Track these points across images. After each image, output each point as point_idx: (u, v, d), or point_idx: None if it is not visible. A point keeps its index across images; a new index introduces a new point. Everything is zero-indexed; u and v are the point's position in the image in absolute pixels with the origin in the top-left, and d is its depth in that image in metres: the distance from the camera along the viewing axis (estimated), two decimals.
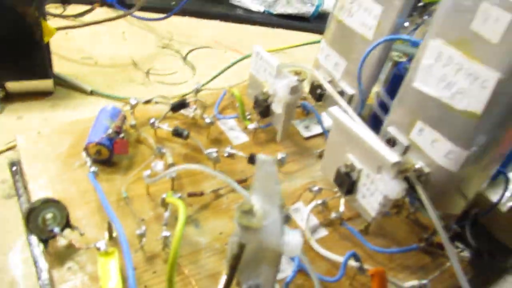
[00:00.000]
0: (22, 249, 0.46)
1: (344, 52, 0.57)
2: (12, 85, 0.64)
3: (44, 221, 0.38)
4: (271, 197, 0.31)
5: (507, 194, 0.62)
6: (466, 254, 0.47)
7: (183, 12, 0.91)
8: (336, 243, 0.46)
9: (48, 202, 0.38)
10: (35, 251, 0.43)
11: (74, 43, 0.80)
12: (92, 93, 0.69)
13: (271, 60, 0.52)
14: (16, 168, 0.51)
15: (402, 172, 0.41)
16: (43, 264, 0.42)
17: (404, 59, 0.60)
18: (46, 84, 0.66)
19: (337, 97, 0.53)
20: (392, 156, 0.41)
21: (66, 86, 0.70)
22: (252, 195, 0.33)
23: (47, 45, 0.64)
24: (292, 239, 0.31)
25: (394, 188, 0.42)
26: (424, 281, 0.44)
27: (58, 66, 0.69)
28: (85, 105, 0.67)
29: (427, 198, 0.43)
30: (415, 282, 0.44)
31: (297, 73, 0.50)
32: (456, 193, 0.50)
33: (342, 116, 0.46)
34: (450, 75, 0.44)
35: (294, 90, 0.49)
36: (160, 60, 0.80)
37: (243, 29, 0.95)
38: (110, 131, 0.47)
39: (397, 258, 0.47)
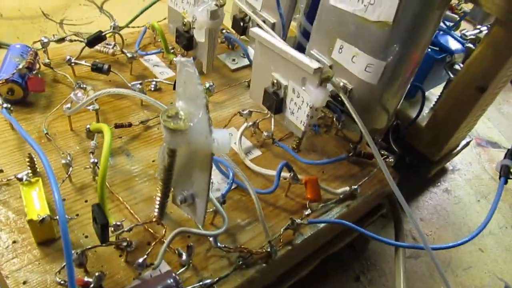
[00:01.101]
0: None
1: None
2: None
3: None
4: (195, 98, 0.31)
5: (426, 110, 0.66)
6: (390, 159, 0.50)
7: None
8: (270, 161, 0.47)
9: None
10: None
11: None
12: (0, 45, 0.64)
13: None
14: None
15: (325, 80, 0.42)
16: None
17: None
18: None
19: (260, 22, 0.53)
20: (313, 63, 0.42)
21: None
22: (176, 100, 0.32)
23: None
24: (220, 136, 0.31)
25: (318, 96, 0.43)
26: (354, 187, 0.46)
27: None
28: None
29: (351, 107, 0.45)
30: (346, 188, 0.46)
31: None
32: (379, 107, 0.52)
33: (265, 34, 0.46)
34: None
35: (214, 15, 0.49)
36: (74, 11, 0.75)
37: None
38: (20, 67, 0.43)
39: (329, 170, 0.48)
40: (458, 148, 0.68)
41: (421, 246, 0.40)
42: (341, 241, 0.48)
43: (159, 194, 0.36)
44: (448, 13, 0.66)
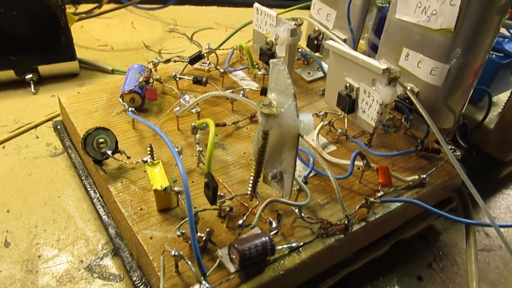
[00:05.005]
0: (72, 193, 0.54)
1: (332, 3, 0.66)
2: (43, 69, 0.72)
3: (98, 144, 0.45)
4: (284, 90, 0.39)
5: (494, 113, 0.69)
6: (458, 153, 0.54)
7: (182, 1, 1.01)
8: (344, 155, 0.53)
9: (100, 129, 0.45)
10: (87, 186, 0.51)
11: (90, 35, 0.88)
12: (113, 71, 0.77)
13: (270, 12, 0.60)
14: (59, 127, 0.58)
15: (393, 79, 0.48)
16: (95, 193, 0.50)
17: (386, 5, 0.68)
18: (72, 66, 0.74)
19: (333, 37, 0.61)
20: (382, 65, 0.48)
21: (89, 68, 0.78)
22: (269, 93, 0.40)
23: (70, 31, 0.72)
24: (306, 118, 0.38)
25: (387, 94, 0.49)
26: (423, 175, 0.51)
27: (79, 53, 0.77)
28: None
29: (419, 103, 0.50)
30: (415, 176, 0.51)
31: (294, 20, 0.58)
32: (444, 108, 0.57)
33: (338, 45, 0.54)
34: (423, 1, 0.52)
35: (293, 32, 0.57)
36: (169, 42, 0.88)
37: (241, 11, 1.03)
38: (141, 80, 0.54)
39: (399, 163, 0.53)
40: None
41: (488, 223, 0.44)
42: (413, 228, 0.53)
43: (253, 173, 0.43)
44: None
